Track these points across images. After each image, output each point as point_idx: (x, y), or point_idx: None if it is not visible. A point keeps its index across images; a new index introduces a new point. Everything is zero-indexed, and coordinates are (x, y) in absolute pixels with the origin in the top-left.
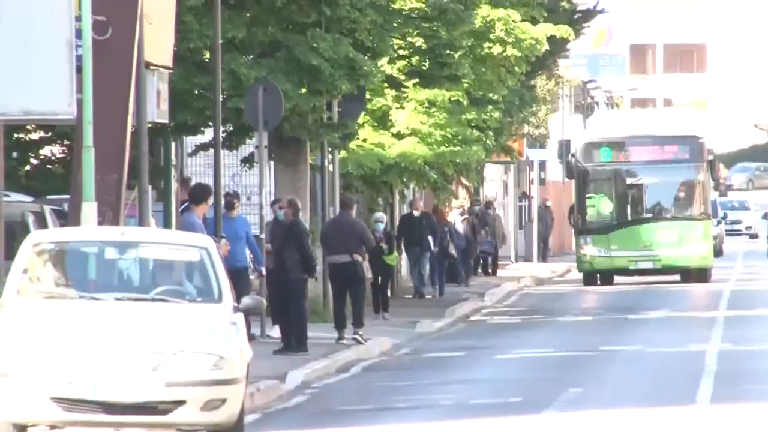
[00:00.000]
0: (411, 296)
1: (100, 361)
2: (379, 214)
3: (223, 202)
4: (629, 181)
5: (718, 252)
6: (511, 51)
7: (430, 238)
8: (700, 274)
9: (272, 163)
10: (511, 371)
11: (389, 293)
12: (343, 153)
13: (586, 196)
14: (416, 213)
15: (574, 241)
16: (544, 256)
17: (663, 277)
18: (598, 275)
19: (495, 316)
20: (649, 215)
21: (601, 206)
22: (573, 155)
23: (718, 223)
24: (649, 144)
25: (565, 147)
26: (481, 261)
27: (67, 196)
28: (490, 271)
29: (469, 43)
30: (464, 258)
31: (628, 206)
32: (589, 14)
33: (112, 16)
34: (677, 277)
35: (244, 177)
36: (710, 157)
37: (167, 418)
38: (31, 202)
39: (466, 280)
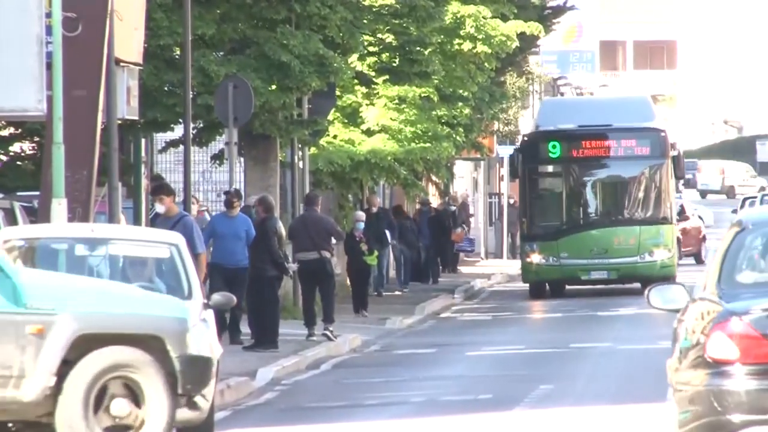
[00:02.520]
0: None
1: None
2: (359, 213)
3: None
4: (581, 179)
5: None
6: (481, 47)
7: (387, 233)
8: None
9: (242, 159)
10: (481, 368)
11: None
12: (313, 150)
13: (532, 196)
14: (374, 209)
15: (520, 248)
16: (513, 253)
17: (621, 286)
18: (547, 286)
19: (465, 313)
20: (604, 218)
21: (549, 208)
22: (517, 150)
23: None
24: (604, 137)
25: None
26: (460, 257)
27: (37, 193)
28: (449, 268)
29: (439, 40)
30: (429, 255)
31: (580, 208)
32: (559, 11)
33: (83, 13)
34: (637, 285)
35: (214, 174)
36: (674, 153)
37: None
38: (1, 198)
39: (434, 277)
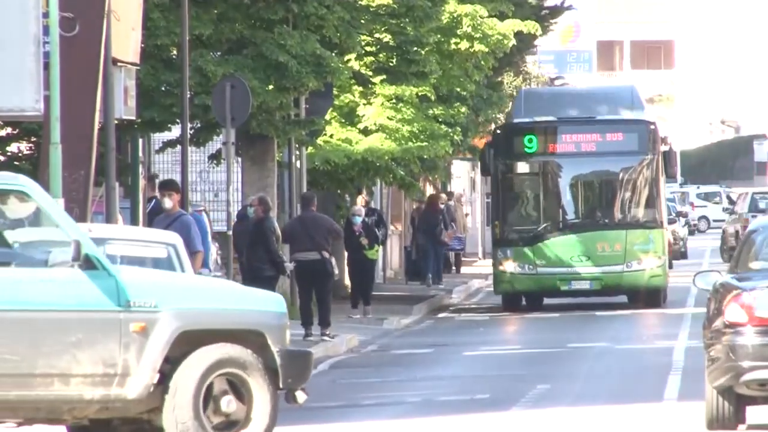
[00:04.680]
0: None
1: None
2: (357, 207)
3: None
4: (560, 177)
5: (682, 255)
6: (478, 47)
7: (378, 232)
8: (652, 296)
9: (239, 159)
10: (478, 368)
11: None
12: (310, 149)
13: (505, 196)
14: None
15: (492, 254)
16: None
17: (605, 299)
18: (522, 298)
19: (462, 313)
20: (586, 221)
21: (525, 210)
22: (489, 144)
23: (686, 223)
24: (586, 130)
25: None
26: (454, 257)
27: None
28: (454, 268)
29: (436, 39)
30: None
31: (559, 210)
32: (556, 11)
33: (80, 13)
34: (623, 298)
35: (211, 174)
36: (664, 148)
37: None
38: None
39: (427, 277)
